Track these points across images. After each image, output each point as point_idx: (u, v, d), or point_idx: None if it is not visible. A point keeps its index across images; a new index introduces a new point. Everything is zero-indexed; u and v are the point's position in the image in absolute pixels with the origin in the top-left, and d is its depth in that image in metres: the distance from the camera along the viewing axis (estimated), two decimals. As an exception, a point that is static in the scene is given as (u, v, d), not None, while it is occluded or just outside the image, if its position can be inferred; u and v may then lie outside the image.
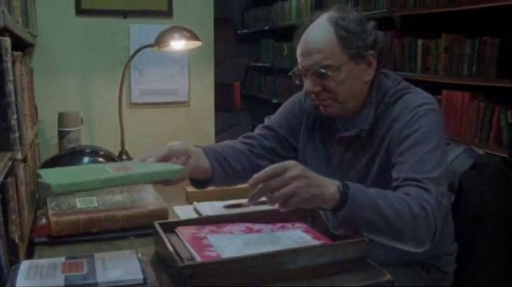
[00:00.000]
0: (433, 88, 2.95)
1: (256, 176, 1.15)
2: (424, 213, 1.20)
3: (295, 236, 1.27)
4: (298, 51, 1.44)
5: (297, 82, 1.49)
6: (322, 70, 1.39)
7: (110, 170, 1.12)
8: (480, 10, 2.63)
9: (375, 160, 1.41)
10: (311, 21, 1.43)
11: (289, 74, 1.50)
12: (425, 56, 3.12)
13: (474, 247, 1.60)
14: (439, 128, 1.37)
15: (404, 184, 1.27)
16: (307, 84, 1.44)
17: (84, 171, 1.20)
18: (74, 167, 1.45)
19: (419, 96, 1.42)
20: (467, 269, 1.61)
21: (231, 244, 1.20)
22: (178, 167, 1.25)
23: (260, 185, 1.14)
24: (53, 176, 1.03)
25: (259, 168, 1.47)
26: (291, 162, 1.17)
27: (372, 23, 1.43)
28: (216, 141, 2.66)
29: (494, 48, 2.62)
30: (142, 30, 2.44)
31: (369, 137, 1.43)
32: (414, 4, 3.17)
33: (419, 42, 3.15)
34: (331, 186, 1.18)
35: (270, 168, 1.15)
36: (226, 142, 1.58)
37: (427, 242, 1.23)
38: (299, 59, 1.44)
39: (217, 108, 2.70)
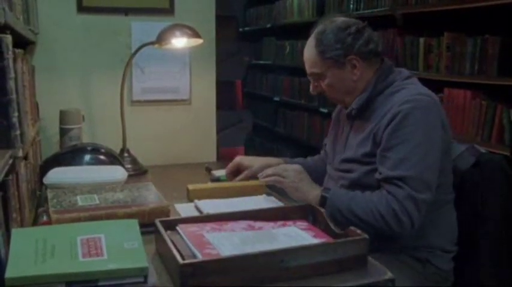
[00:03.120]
0: (435, 86, 2.94)
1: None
2: (391, 211, 1.45)
3: (293, 233, 1.27)
4: None
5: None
6: (311, 77, 1.69)
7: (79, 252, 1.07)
8: (482, 8, 2.62)
9: (368, 140, 1.58)
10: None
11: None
12: (427, 54, 3.11)
13: (475, 245, 1.60)
14: (425, 125, 1.49)
15: (385, 182, 1.49)
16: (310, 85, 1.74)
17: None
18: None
19: (410, 92, 1.55)
20: (468, 267, 1.61)
21: (228, 242, 1.20)
22: (143, 265, 1.06)
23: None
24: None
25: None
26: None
27: (351, 29, 1.60)
28: (218, 139, 2.67)
29: (496, 47, 2.61)
30: (144, 27, 2.43)
31: (366, 119, 1.62)
32: (416, 2, 3.16)
33: (421, 40, 3.14)
34: (315, 189, 1.59)
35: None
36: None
37: (404, 229, 1.46)
38: None
39: (219, 106, 2.69)
